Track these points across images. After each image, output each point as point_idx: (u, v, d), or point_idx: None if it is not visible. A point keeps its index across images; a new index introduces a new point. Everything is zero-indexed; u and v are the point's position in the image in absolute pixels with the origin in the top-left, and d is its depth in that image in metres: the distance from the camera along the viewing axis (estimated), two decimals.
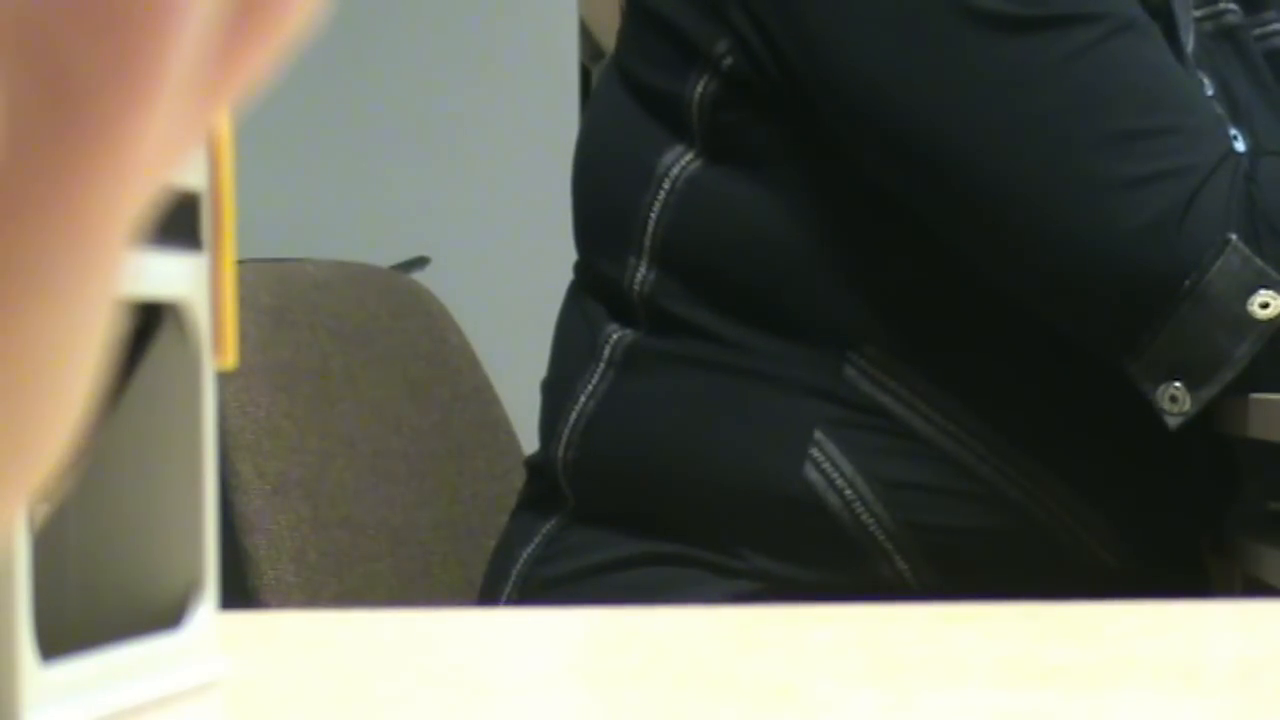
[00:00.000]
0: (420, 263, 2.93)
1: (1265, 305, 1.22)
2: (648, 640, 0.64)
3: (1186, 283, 1.21)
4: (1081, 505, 1.33)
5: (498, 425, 1.65)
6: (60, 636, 0.50)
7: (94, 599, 0.52)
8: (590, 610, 0.73)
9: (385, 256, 2.54)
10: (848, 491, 1.31)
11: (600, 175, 1.41)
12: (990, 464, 1.31)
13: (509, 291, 3.20)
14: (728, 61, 1.31)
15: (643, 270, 1.35)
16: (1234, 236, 1.21)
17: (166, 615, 0.55)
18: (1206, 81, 1.40)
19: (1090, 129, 1.23)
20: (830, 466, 1.31)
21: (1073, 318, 1.28)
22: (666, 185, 1.34)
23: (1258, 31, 1.51)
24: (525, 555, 1.39)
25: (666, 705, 0.53)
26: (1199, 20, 1.44)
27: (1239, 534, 1.40)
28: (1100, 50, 1.24)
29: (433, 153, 3.31)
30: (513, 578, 1.39)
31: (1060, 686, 0.55)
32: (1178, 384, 1.25)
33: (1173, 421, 1.27)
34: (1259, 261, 1.22)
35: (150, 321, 0.54)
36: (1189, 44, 1.39)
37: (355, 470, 1.46)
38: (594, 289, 1.40)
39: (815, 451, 1.31)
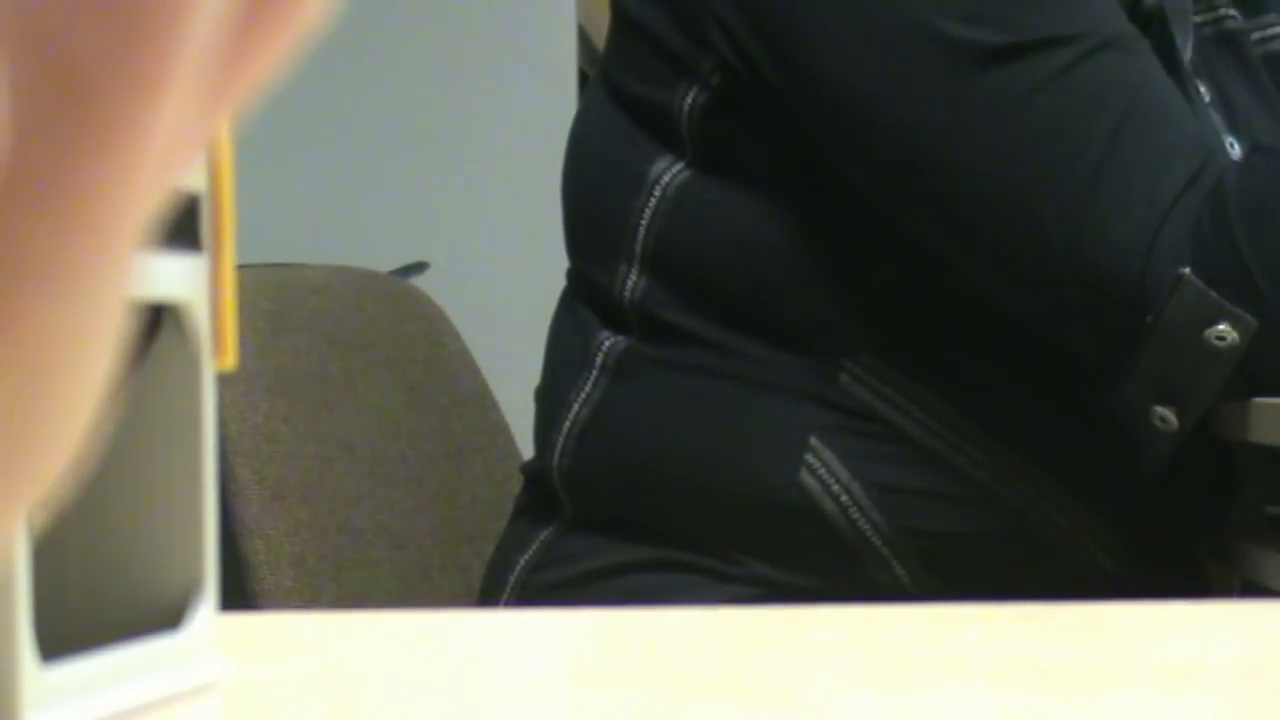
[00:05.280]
0: (419, 268, 2.93)
1: (1222, 338, 1.23)
2: (647, 641, 0.64)
3: (1149, 318, 1.22)
4: (1079, 509, 1.33)
5: (496, 430, 1.65)
6: (60, 637, 0.50)
7: (94, 600, 0.52)
8: (589, 611, 0.73)
9: (384, 261, 2.54)
10: (844, 497, 1.31)
11: (590, 183, 1.41)
12: (987, 469, 1.31)
13: (507, 296, 3.20)
14: (715, 79, 1.31)
15: (633, 277, 1.35)
16: (1186, 271, 1.22)
17: (166, 616, 0.55)
18: (1204, 89, 1.40)
19: (1065, 155, 1.23)
20: (826, 472, 1.31)
21: (1068, 339, 1.29)
22: (657, 193, 1.34)
23: (1258, 35, 1.51)
24: (523, 562, 1.39)
25: (666, 706, 0.53)
26: (1198, 25, 1.44)
27: (1237, 538, 1.40)
28: (1077, 72, 1.24)
29: (431, 158, 3.31)
30: (510, 584, 1.39)
31: (1060, 686, 0.55)
32: (1165, 407, 1.26)
33: (1164, 443, 1.28)
34: (1213, 295, 1.22)
35: (150, 323, 0.54)
36: (1187, 51, 1.39)
37: (354, 475, 1.46)
38: (585, 296, 1.40)
39: (811, 457, 1.31)
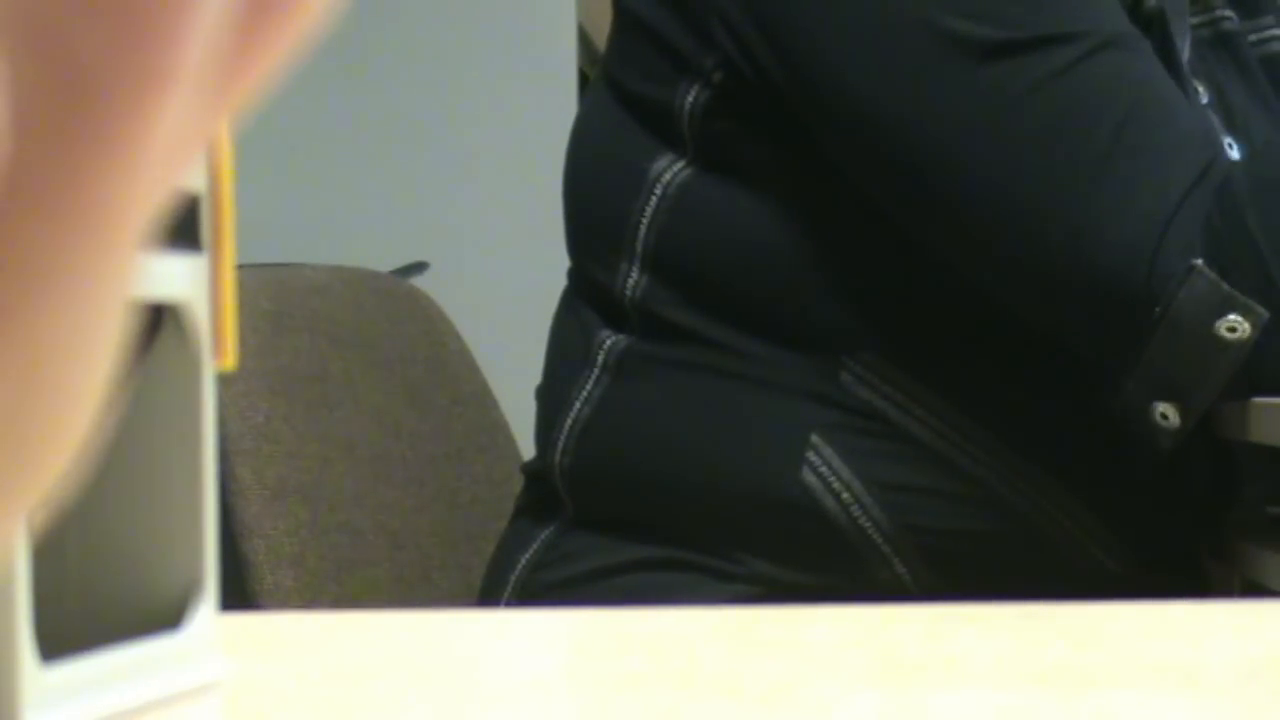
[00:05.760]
0: (419, 267, 2.92)
1: (1232, 330, 1.22)
2: (647, 641, 0.64)
3: (1157, 310, 1.22)
4: (1080, 508, 1.33)
5: (496, 430, 1.65)
6: (60, 637, 0.50)
7: (94, 600, 0.52)
8: (589, 611, 0.73)
9: (384, 261, 2.54)
10: (845, 495, 1.31)
11: (591, 182, 1.41)
12: (988, 467, 1.32)
13: (508, 296, 3.20)
14: (717, 76, 1.31)
15: (634, 276, 1.35)
16: (1199, 262, 1.22)
17: (166, 616, 0.55)
18: (1202, 90, 1.40)
19: (1067, 152, 1.23)
20: (827, 470, 1.31)
21: (1068, 337, 1.29)
22: (658, 191, 1.34)
23: (1254, 37, 1.51)
24: (523, 561, 1.39)
25: (667, 706, 0.53)
26: (1195, 27, 1.44)
27: (1238, 538, 1.40)
28: (1079, 70, 1.24)
29: (431, 158, 3.31)
30: (511, 583, 1.39)
31: (1060, 686, 0.55)
32: (1166, 403, 1.26)
33: (1165, 440, 1.28)
34: (1225, 286, 1.22)
35: (150, 323, 0.54)
36: (1185, 52, 1.39)
37: (354, 475, 1.46)
38: (587, 295, 1.40)
39: (812, 455, 1.31)
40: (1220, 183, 1.23)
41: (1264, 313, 1.22)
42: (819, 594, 1.31)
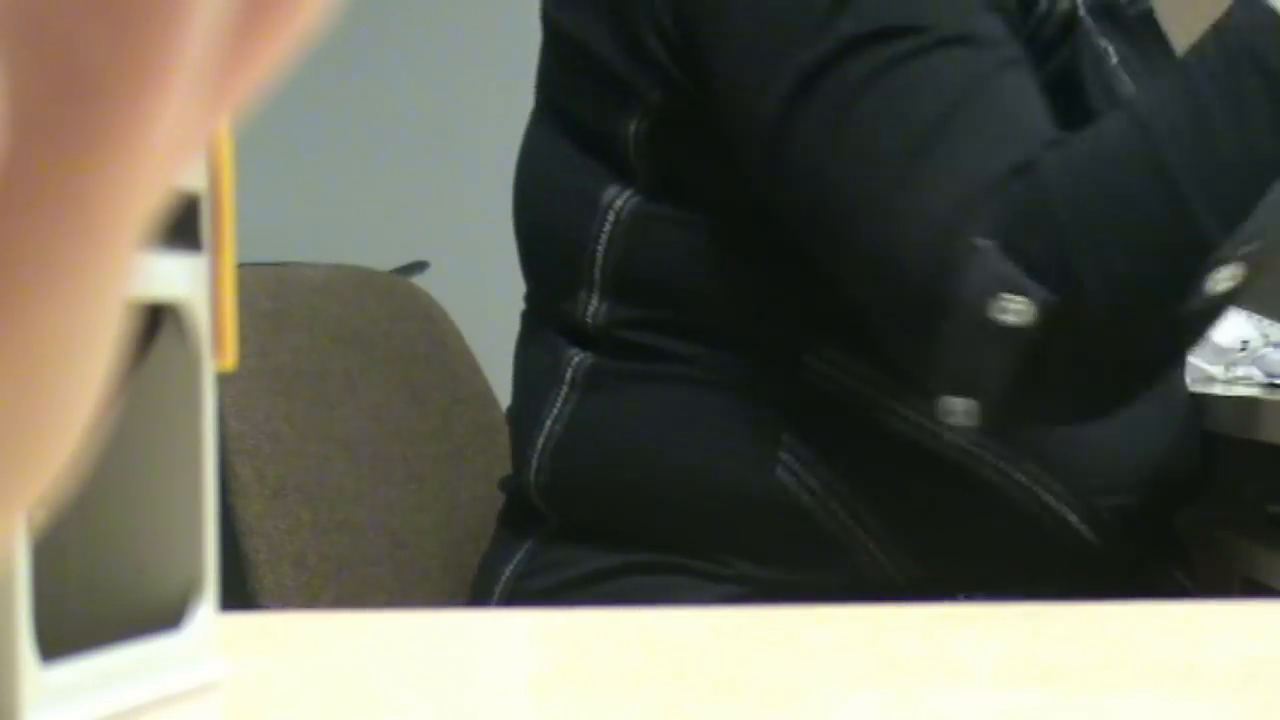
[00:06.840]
0: (419, 267, 2.93)
1: (1010, 311, 1.18)
2: (647, 641, 0.64)
3: (946, 295, 1.19)
4: (1053, 481, 1.32)
5: (497, 429, 1.65)
6: (60, 637, 0.50)
7: (94, 599, 0.52)
8: (588, 611, 0.73)
9: (384, 261, 2.54)
10: (820, 489, 1.31)
11: (543, 211, 1.41)
12: (956, 446, 1.31)
13: (507, 295, 3.20)
14: (654, 97, 1.31)
15: (594, 304, 1.35)
16: (983, 241, 1.18)
17: (166, 616, 0.55)
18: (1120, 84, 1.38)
19: (890, 142, 1.22)
20: (800, 466, 1.31)
21: (887, 334, 1.26)
22: (611, 218, 1.34)
23: None
24: (508, 572, 1.39)
25: (666, 706, 0.53)
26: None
27: (1237, 538, 1.40)
28: (915, 62, 1.23)
29: (432, 157, 3.32)
30: (497, 594, 1.39)
31: (1060, 686, 0.55)
32: (961, 398, 1.23)
33: (963, 434, 1.26)
34: (1004, 267, 1.18)
35: (150, 323, 0.54)
36: (1112, 55, 1.38)
37: (354, 474, 1.46)
38: (548, 320, 1.40)
39: (784, 454, 1.32)
40: (1038, 176, 1.20)
41: (1051, 297, 1.18)
42: (806, 589, 1.31)
